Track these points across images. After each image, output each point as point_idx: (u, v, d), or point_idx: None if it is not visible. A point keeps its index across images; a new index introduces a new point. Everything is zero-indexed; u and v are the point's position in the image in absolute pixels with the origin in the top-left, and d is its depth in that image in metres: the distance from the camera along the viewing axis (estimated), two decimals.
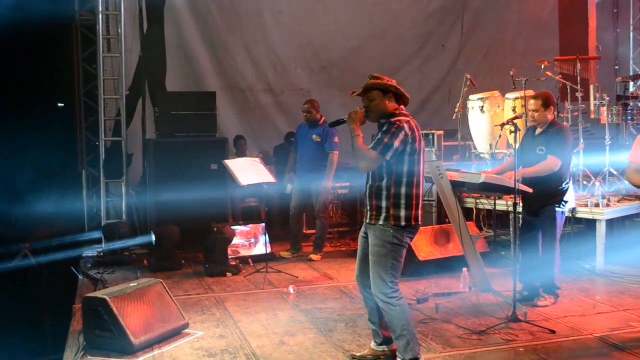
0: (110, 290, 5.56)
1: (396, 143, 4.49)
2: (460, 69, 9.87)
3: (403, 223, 4.59)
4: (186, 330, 5.76)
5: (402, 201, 4.59)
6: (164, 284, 5.90)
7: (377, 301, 4.71)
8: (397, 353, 4.74)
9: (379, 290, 4.64)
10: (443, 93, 12.35)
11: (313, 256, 8.64)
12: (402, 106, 4.76)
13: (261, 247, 8.56)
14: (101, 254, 8.87)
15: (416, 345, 4.68)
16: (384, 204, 4.61)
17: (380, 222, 4.61)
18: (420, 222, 4.73)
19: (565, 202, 6.31)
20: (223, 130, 10.84)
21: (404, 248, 4.68)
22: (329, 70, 11.94)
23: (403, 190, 4.60)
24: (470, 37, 12.89)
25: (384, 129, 4.57)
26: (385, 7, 12.24)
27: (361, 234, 4.90)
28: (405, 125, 4.54)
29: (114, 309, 5.21)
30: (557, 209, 6.24)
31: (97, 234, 9.40)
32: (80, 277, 7.86)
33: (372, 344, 5.07)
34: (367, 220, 4.73)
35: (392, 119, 4.59)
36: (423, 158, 4.71)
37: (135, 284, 5.73)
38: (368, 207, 4.72)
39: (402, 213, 4.59)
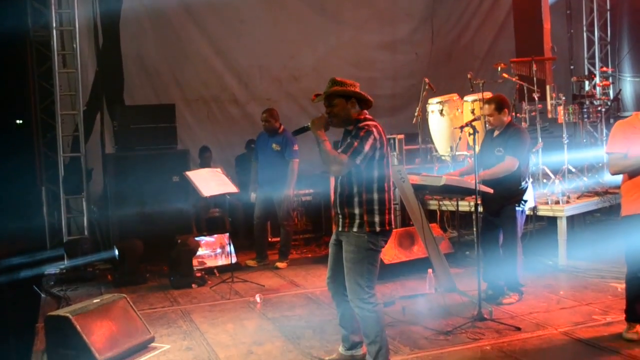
0: (73, 308, 5.47)
1: (366, 148, 4.48)
2: (430, 76, 9.92)
3: (378, 229, 4.58)
4: (152, 344, 5.69)
5: (376, 207, 4.58)
6: (128, 298, 5.83)
7: (353, 307, 4.70)
8: (367, 357, 4.73)
9: (356, 296, 4.62)
10: (416, 100, 12.42)
11: (279, 264, 8.63)
12: (365, 110, 4.75)
13: (227, 257, 8.51)
14: (64, 271, 8.73)
15: (387, 352, 4.69)
16: (357, 211, 4.59)
17: (355, 229, 4.59)
18: (393, 226, 4.73)
19: (525, 201, 6.39)
20: (188, 142, 10.78)
21: (379, 253, 4.67)
22: (299, 80, 11.91)
23: (375, 196, 4.59)
24: (437, 43, 13.03)
25: (353, 133, 4.57)
26: (352, 14, 12.29)
27: (332, 241, 4.88)
28: (374, 130, 4.54)
29: (78, 326, 5.13)
30: (517, 208, 6.32)
31: (59, 251, 9.25)
32: (42, 295, 7.73)
33: (341, 349, 5.07)
34: (340, 228, 4.71)
35: (360, 124, 4.59)
36: (391, 162, 4.73)
37: (98, 300, 5.65)
38: (340, 216, 4.69)
39: (377, 219, 4.58)
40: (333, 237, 4.88)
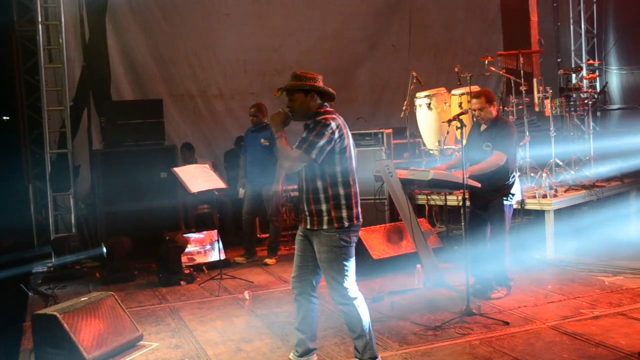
0: (61, 306, 5.44)
1: (322, 141, 4.42)
2: (411, 69, 9.90)
3: (347, 224, 4.54)
4: (141, 342, 5.68)
5: (343, 202, 4.54)
6: (116, 296, 5.81)
7: (337, 305, 4.68)
8: (355, 353, 4.72)
9: (337, 294, 4.60)
10: (398, 93, 12.41)
11: (268, 260, 8.61)
12: (326, 103, 4.69)
13: (216, 253, 8.49)
14: (51, 269, 8.72)
15: (374, 345, 4.68)
16: (324, 207, 4.54)
17: (324, 226, 4.54)
18: (361, 220, 4.69)
19: (513, 195, 6.41)
20: (174, 137, 10.74)
21: (352, 247, 4.62)
22: (283, 73, 11.86)
23: (341, 190, 4.55)
24: (418, 37, 12.98)
25: (310, 127, 4.52)
26: (335, 8, 12.25)
27: (299, 238, 4.79)
28: (332, 123, 4.48)
29: (65, 325, 5.11)
30: (504, 202, 6.33)
31: (46, 249, 9.20)
32: (30, 293, 7.70)
33: (292, 355, 4.93)
34: (308, 227, 4.63)
35: (318, 117, 4.54)
36: (354, 155, 4.67)
37: (86, 298, 5.62)
38: (307, 213, 4.62)
39: (344, 214, 4.54)
40: (300, 233, 4.78)
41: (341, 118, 4.61)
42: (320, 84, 4.65)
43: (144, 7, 10.85)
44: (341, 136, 4.51)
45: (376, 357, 4.67)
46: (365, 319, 4.63)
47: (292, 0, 12.01)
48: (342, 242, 4.54)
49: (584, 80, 12.10)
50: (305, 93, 4.60)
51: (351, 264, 4.62)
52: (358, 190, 4.66)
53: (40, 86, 9.60)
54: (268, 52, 11.81)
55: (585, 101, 9.57)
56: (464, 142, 6.36)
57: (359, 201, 4.66)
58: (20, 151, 10.24)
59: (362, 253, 7.64)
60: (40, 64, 9.56)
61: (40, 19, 9.56)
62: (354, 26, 12.45)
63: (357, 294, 4.64)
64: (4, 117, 11.34)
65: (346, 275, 4.58)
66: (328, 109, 4.65)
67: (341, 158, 4.54)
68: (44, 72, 9.58)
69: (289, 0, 11.98)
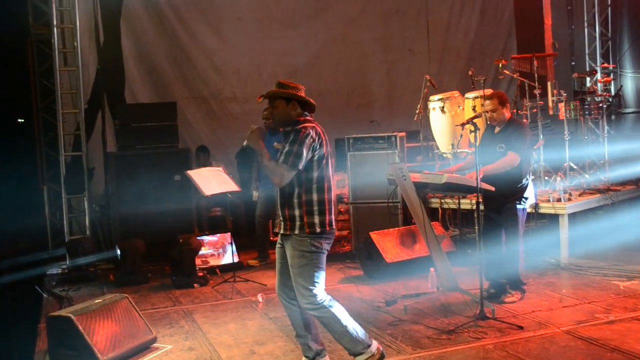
0: (75, 308, 5.48)
1: (305, 150, 4.47)
2: (432, 73, 9.89)
3: (318, 230, 4.55)
4: (155, 345, 5.70)
5: (315, 208, 4.56)
6: (130, 299, 5.84)
7: (308, 311, 4.66)
8: (348, 352, 4.71)
9: (306, 300, 4.58)
10: (417, 98, 12.41)
11: None
12: (306, 112, 4.74)
13: (229, 256, 8.51)
14: (66, 271, 8.76)
15: (362, 335, 4.67)
16: (297, 212, 4.56)
17: (296, 231, 4.56)
18: (334, 227, 4.70)
19: (526, 198, 6.38)
20: (187, 140, 10.78)
21: (324, 254, 4.63)
22: (295, 76, 11.85)
23: (315, 196, 4.57)
24: (438, 41, 12.99)
25: (291, 138, 4.54)
26: (340, 10, 12.26)
27: (277, 245, 4.82)
28: (312, 131, 4.53)
29: (80, 327, 5.14)
30: (517, 205, 6.31)
31: (61, 251, 9.25)
32: (45, 295, 7.74)
33: None
34: (282, 231, 4.66)
35: (297, 126, 4.58)
36: (332, 162, 4.71)
37: (100, 300, 5.65)
38: (282, 218, 4.66)
39: (317, 220, 4.56)
40: (279, 241, 4.80)
41: (320, 126, 4.66)
42: (302, 94, 4.73)
43: (158, 10, 10.91)
44: (320, 144, 4.57)
45: (369, 345, 4.67)
46: (341, 315, 4.62)
47: (299, 3, 12.03)
48: (312, 248, 4.55)
49: (599, 84, 12.03)
50: (286, 101, 4.68)
51: (321, 272, 4.62)
52: (333, 198, 4.69)
53: (55, 89, 9.66)
54: (279, 55, 11.83)
55: (600, 104, 9.52)
56: (477, 145, 6.34)
57: (333, 208, 4.68)
58: (35, 154, 10.30)
59: (375, 256, 7.66)
60: (55, 67, 9.63)
61: (55, 22, 9.62)
62: (359, 29, 12.44)
63: (325, 297, 4.62)
64: (19, 120, 11.42)
65: (315, 282, 4.57)
66: (308, 117, 4.71)
67: (318, 165, 4.58)
68: (59, 75, 9.65)
69: (296, 4, 12.01)
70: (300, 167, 4.48)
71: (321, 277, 4.62)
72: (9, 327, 6.77)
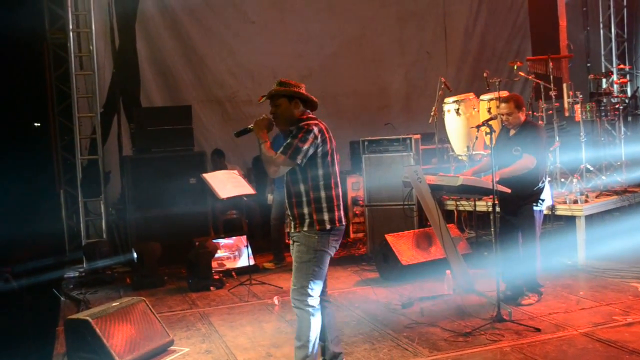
0: (93, 311, 5.50)
1: (305, 145, 4.47)
2: (449, 76, 9.87)
3: (328, 226, 4.56)
4: (172, 347, 5.72)
5: (324, 205, 4.57)
6: (147, 301, 5.86)
7: (293, 307, 4.66)
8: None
9: (298, 296, 4.59)
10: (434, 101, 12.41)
11: None
12: (309, 111, 4.76)
13: (245, 259, 8.52)
14: (83, 274, 8.81)
15: (314, 357, 4.61)
16: (306, 210, 4.57)
17: (305, 228, 4.56)
18: (344, 223, 4.70)
19: (542, 200, 6.36)
20: (203, 143, 10.82)
21: (328, 255, 4.64)
22: (309, 78, 11.88)
23: (323, 194, 4.58)
24: (455, 43, 12.99)
25: (293, 133, 4.56)
26: (354, 14, 12.27)
27: (291, 246, 4.80)
28: (315, 128, 4.54)
29: (97, 330, 5.16)
30: (534, 207, 6.28)
31: (78, 254, 9.31)
32: (62, 298, 7.79)
33: None
34: (292, 230, 4.67)
35: (301, 124, 4.59)
36: (337, 159, 4.71)
37: (117, 303, 5.68)
38: (291, 217, 4.67)
39: (326, 217, 4.56)
40: (291, 240, 4.80)
41: (324, 123, 4.67)
42: (304, 91, 4.74)
43: (173, 14, 10.97)
44: (324, 140, 4.57)
45: None
46: (314, 332, 4.58)
47: (313, 6, 12.05)
48: (319, 246, 4.56)
49: (615, 85, 11.94)
50: (289, 99, 4.70)
51: (321, 272, 4.62)
52: (340, 194, 4.70)
53: (72, 93, 9.74)
54: (292, 57, 11.85)
55: (616, 106, 9.48)
56: (493, 147, 6.32)
57: (342, 204, 4.69)
58: (51, 157, 10.36)
59: (391, 259, 7.65)
60: (71, 71, 9.71)
61: (71, 27, 9.71)
62: (374, 31, 12.46)
63: (317, 306, 4.61)
64: (36, 124, 11.50)
65: (312, 281, 4.57)
66: (310, 115, 4.72)
67: (323, 162, 4.59)
68: (75, 79, 9.72)
69: (310, 6, 12.03)
70: (299, 161, 4.48)
71: (319, 278, 4.61)
72: (28, 330, 6.82)
